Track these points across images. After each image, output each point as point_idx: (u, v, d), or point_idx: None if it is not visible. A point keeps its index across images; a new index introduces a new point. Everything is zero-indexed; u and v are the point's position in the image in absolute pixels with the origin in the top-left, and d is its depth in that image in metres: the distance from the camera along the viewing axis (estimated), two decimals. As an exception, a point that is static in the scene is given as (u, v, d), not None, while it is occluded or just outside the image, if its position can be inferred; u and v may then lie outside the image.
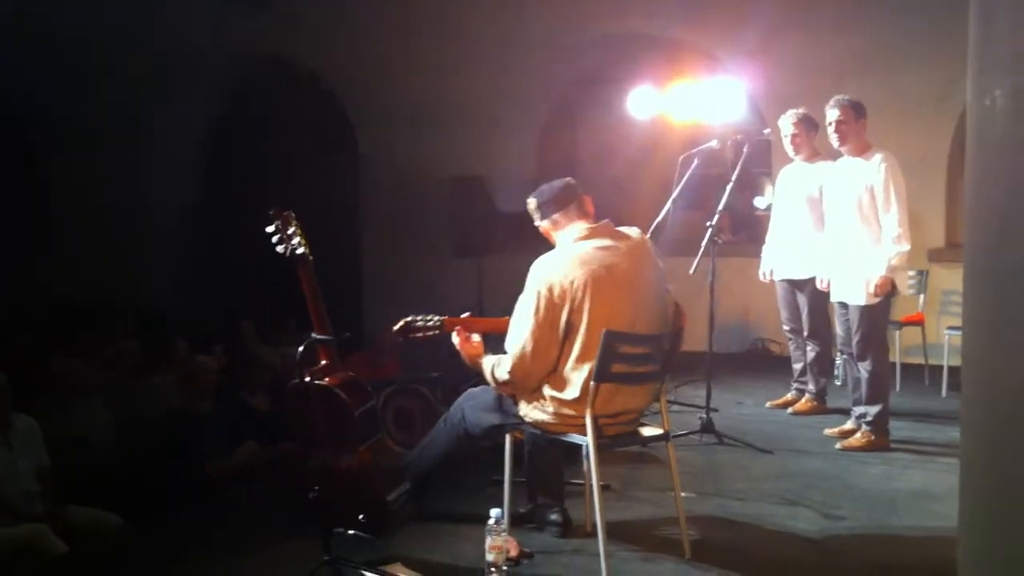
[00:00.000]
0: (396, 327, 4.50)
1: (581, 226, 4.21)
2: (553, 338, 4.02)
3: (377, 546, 4.30)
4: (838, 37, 8.91)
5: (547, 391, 4.09)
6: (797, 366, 7.09)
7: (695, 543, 4.29)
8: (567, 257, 4.09)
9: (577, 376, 4.01)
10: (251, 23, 10.78)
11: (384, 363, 7.30)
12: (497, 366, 4.16)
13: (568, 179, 4.38)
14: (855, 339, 5.96)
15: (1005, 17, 2.15)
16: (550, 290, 4.00)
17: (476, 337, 4.42)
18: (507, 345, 4.13)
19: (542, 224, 4.33)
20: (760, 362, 9.08)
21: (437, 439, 4.64)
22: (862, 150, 5.92)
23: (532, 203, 4.35)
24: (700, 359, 6.40)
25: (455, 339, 4.42)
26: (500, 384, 4.19)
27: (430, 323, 4.50)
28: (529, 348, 4.03)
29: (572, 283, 3.99)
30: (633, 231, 4.29)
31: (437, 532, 4.59)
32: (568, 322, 4.00)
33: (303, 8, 10.65)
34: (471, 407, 4.47)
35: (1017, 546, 2.12)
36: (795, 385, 7.12)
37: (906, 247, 5.78)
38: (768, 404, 7.17)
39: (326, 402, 4.28)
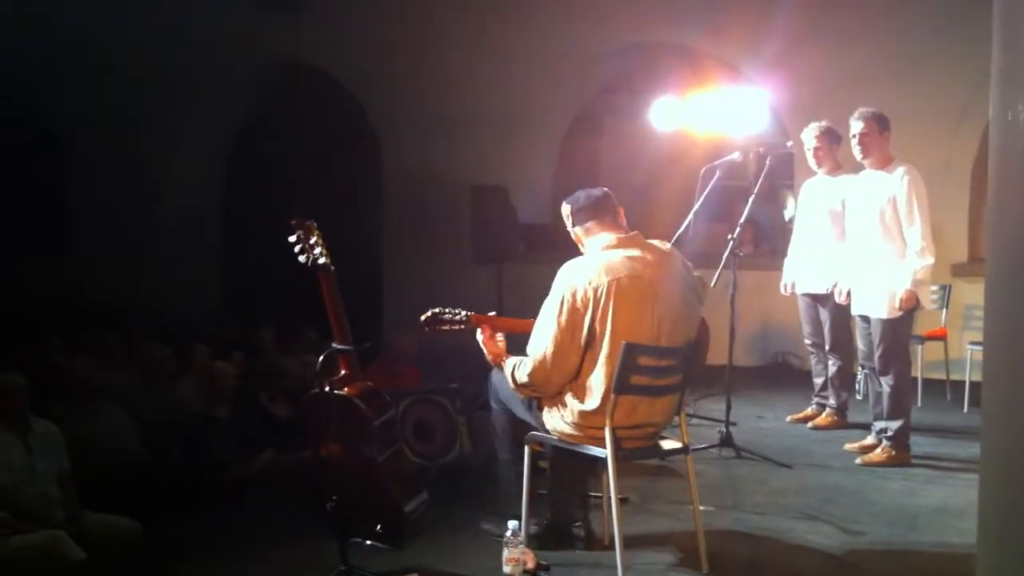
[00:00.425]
0: (423, 317, 4.53)
1: (612, 235, 4.20)
2: (574, 344, 4.02)
3: (394, 556, 4.30)
4: (860, 48, 8.87)
5: (568, 400, 4.09)
6: (818, 380, 7.04)
7: (713, 557, 4.26)
8: (594, 264, 4.09)
9: (597, 386, 4.00)
10: (277, 29, 10.85)
11: (402, 370, 7.31)
12: (518, 367, 4.17)
13: (605, 189, 4.38)
14: (877, 353, 5.92)
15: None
16: (574, 295, 4.00)
17: (500, 336, 4.43)
18: (529, 348, 4.14)
19: (575, 230, 4.33)
20: (781, 376, 9.03)
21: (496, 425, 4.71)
22: (885, 163, 5.89)
23: (567, 208, 4.35)
24: (720, 372, 6.37)
25: (479, 336, 4.45)
26: (520, 386, 4.19)
27: (457, 317, 4.52)
28: (550, 352, 4.03)
29: (596, 290, 3.98)
30: (664, 245, 4.29)
31: (454, 543, 4.58)
32: (590, 330, 3.99)
33: (328, 15, 10.70)
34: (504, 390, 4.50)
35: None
36: (816, 399, 7.08)
37: (930, 260, 5.75)
38: (788, 418, 7.13)
39: (345, 412, 4.28)
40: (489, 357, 4.41)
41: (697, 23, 9.48)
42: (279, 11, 10.74)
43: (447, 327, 4.52)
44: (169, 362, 7.74)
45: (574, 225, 4.32)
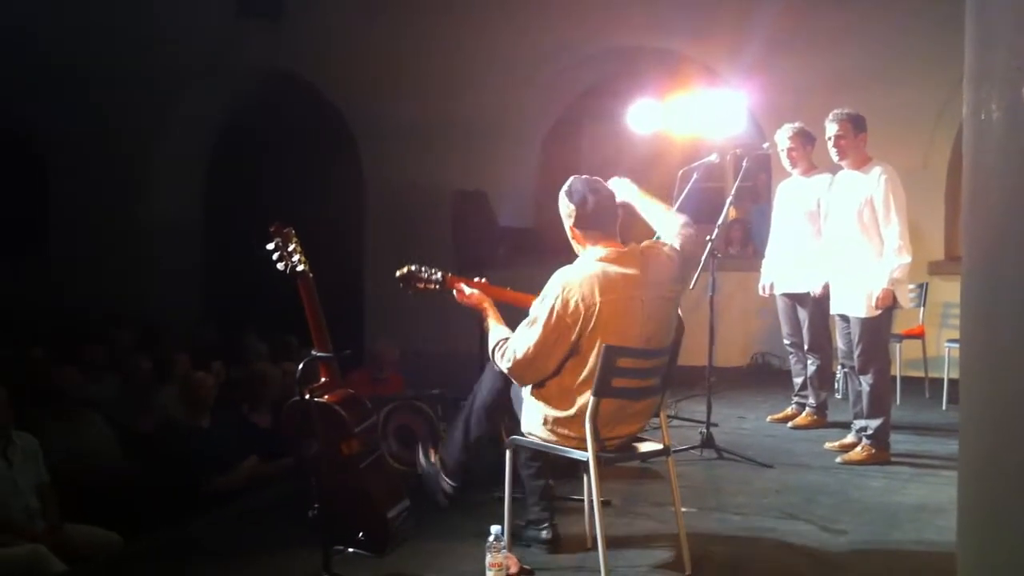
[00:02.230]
0: (398, 273, 4.52)
1: (611, 249, 4.11)
2: (555, 352, 4.01)
3: (376, 563, 4.29)
4: (837, 51, 8.94)
5: (544, 406, 4.11)
6: (798, 380, 7.08)
7: (696, 558, 4.27)
8: (589, 279, 4.00)
9: (580, 398, 4.00)
10: (258, 37, 10.84)
11: (385, 377, 7.30)
12: (499, 349, 4.14)
13: (607, 186, 4.29)
14: (856, 352, 5.95)
15: (1001, 31, 2.15)
16: (565, 306, 3.95)
17: (471, 291, 4.42)
18: (513, 340, 4.10)
19: (577, 231, 4.20)
20: (761, 376, 9.07)
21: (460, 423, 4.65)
22: (862, 163, 5.93)
23: (570, 207, 4.18)
24: (700, 373, 6.39)
25: (456, 295, 4.45)
26: (496, 363, 4.19)
27: (433, 276, 4.51)
28: (531, 354, 4.02)
29: (589, 309, 3.93)
30: (666, 247, 4.21)
31: (437, 549, 4.57)
32: (576, 343, 3.98)
33: (308, 24, 10.70)
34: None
35: (1016, 560, 2.11)
36: (796, 399, 7.11)
37: (907, 259, 5.79)
38: (769, 418, 7.16)
39: (326, 419, 4.27)
40: (469, 307, 4.41)
41: (678, 27, 9.53)
42: (260, 19, 10.74)
43: (422, 285, 4.51)
44: (150, 372, 7.73)
45: (578, 227, 4.18)
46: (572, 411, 4.02)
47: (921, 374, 7.89)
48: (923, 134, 8.85)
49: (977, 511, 2.30)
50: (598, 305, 3.93)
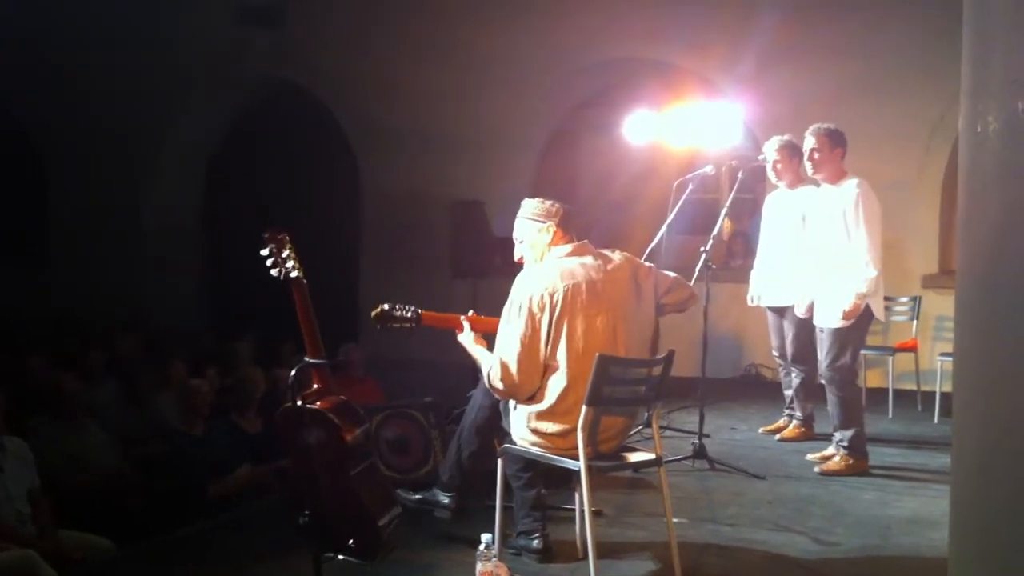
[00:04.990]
0: (373, 313, 4.57)
1: (570, 246, 4.30)
2: (535, 349, 4.10)
3: (368, 571, 4.28)
4: (833, 63, 8.96)
5: (524, 404, 4.16)
6: (788, 392, 7.08)
7: (687, 569, 4.27)
8: (550, 271, 4.19)
9: (554, 388, 4.09)
10: (257, 44, 10.85)
11: (361, 378, 7.28)
12: (492, 370, 4.21)
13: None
14: (825, 363, 6.02)
15: (998, 43, 2.16)
16: (530, 300, 4.11)
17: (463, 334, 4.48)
18: (496, 351, 4.19)
19: (543, 227, 4.33)
20: (753, 387, 9.07)
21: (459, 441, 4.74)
22: (837, 177, 5.98)
23: (544, 206, 4.37)
24: (693, 384, 6.39)
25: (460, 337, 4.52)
26: (495, 390, 4.25)
27: (408, 315, 4.55)
28: (514, 358, 4.10)
29: (553, 295, 4.09)
30: (616, 254, 4.35)
31: (428, 557, 4.57)
32: (548, 334, 4.09)
33: (306, 32, 10.71)
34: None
35: (1007, 572, 2.11)
36: (787, 411, 7.11)
37: (873, 273, 5.81)
38: (761, 430, 7.16)
39: (318, 426, 4.26)
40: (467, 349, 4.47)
41: (674, 39, 9.55)
42: (260, 27, 10.75)
43: (397, 325, 4.54)
44: (147, 379, 7.72)
45: (547, 222, 4.32)
46: (550, 402, 4.10)
47: (914, 387, 7.89)
48: (918, 147, 8.87)
49: (970, 524, 2.30)
50: (562, 290, 4.10)
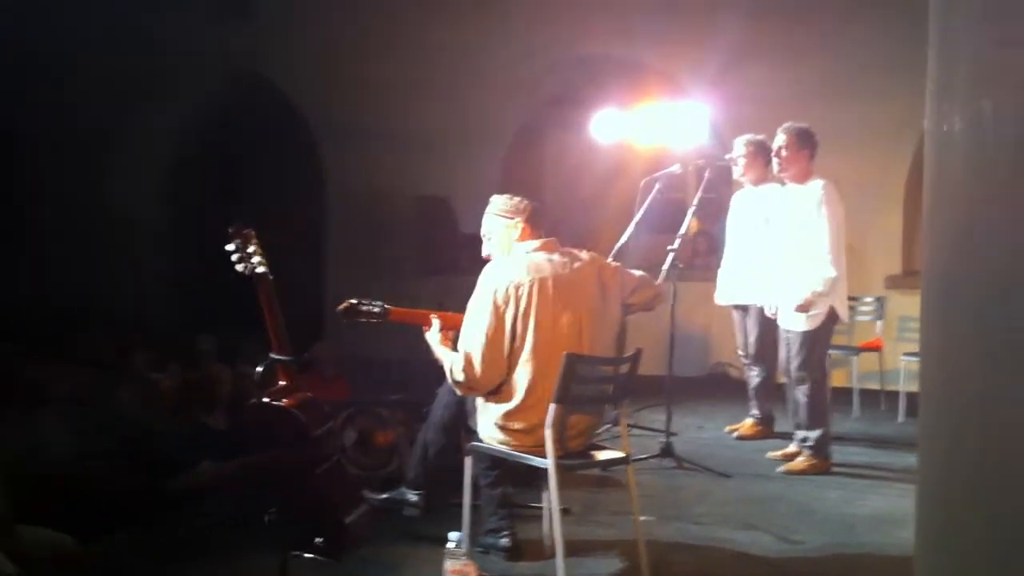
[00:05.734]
0: (340, 307, 4.53)
1: (537, 241, 4.31)
2: (499, 342, 4.09)
3: (334, 569, 4.26)
4: (799, 64, 9.00)
5: (491, 402, 4.17)
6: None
7: (655, 567, 4.27)
8: (517, 265, 4.20)
9: (520, 384, 4.08)
10: (222, 40, 10.76)
11: (331, 375, 7.25)
12: (454, 364, 4.19)
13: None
14: (793, 365, 6.05)
15: (964, 43, 2.17)
16: (495, 293, 4.10)
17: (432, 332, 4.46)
18: (458, 347, 4.17)
19: (510, 222, 4.36)
20: (720, 386, 9.11)
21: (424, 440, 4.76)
22: (803, 177, 6.02)
23: (513, 202, 4.41)
24: (660, 383, 6.41)
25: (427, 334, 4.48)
26: (456, 383, 4.23)
27: (375, 309, 4.53)
28: (477, 351, 4.09)
29: (518, 288, 4.10)
30: (583, 253, 4.36)
31: (395, 555, 4.55)
32: (512, 327, 4.08)
33: (271, 27, 10.64)
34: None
35: (972, 570, 2.12)
36: (753, 410, 7.15)
37: (831, 273, 5.84)
38: (727, 428, 7.19)
39: (284, 423, 4.24)
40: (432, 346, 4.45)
41: (643, 37, 9.57)
42: (231, 20, 10.65)
43: (364, 319, 4.52)
44: (112, 371, 7.63)
45: (515, 219, 4.35)
46: (518, 400, 4.09)
47: (878, 386, 7.95)
48: (883, 148, 8.94)
49: (935, 522, 2.31)
50: (527, 284, 4.10)
